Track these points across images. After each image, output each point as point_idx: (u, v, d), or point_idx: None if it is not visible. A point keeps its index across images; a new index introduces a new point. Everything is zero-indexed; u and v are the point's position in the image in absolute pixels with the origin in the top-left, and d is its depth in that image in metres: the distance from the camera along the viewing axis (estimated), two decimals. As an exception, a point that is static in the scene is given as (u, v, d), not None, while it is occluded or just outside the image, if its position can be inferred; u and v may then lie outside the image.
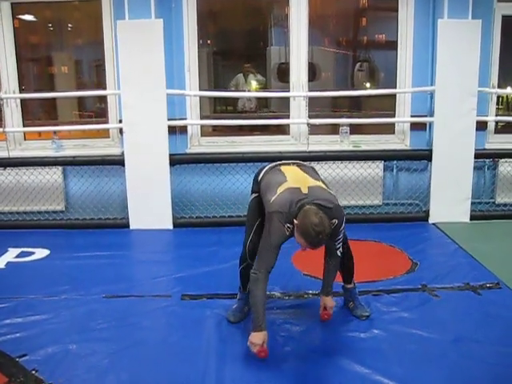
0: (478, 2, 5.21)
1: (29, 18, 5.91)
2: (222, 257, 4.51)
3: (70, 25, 6.20)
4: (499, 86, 5.73)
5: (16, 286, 3.97)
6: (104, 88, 5.57)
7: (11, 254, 4.68)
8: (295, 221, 2.78)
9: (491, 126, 5.79)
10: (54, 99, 6.16)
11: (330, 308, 3.24)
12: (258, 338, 2.84)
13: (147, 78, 5.08)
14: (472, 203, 5.54)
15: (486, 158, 5.70)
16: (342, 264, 3.32)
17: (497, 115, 5.85)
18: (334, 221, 2.88)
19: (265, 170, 3.29)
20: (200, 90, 5.65)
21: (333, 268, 3.21)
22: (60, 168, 5.52)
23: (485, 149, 5.69)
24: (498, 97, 5.94)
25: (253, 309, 2.94)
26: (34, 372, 2.79)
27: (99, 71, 5.77)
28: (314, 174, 3.23)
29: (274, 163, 3.32)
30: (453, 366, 2.85)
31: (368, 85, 6.62)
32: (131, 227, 5.39)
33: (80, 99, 6.42)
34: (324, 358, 2.93)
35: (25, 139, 5.74)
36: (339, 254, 3.13)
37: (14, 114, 5.59)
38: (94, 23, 5.53)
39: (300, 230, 2.75)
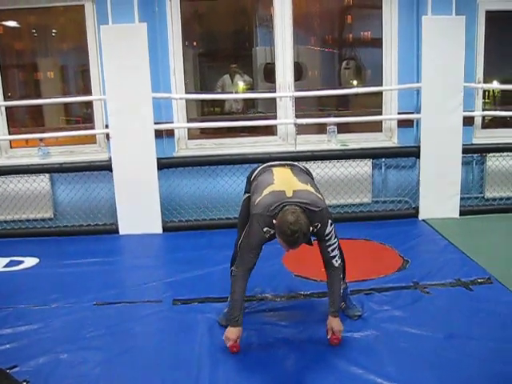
0: (462, -2, 5.23)
1: (12, 24, 5.86)
2: (212, 260, 4.49)
3: (54, 30, 6.15)
4: (485, 81, 5.74)
5: (5, 296, 3.93)
6: (90, 93, 5.54)
7: (0, 264, 4.64)
8: (274, 221, 2.80)
9: (478, 121, 5.81)
10: (40, 106, 6.12)
11: (337, 332, 3.05)
12: (233, 334, 2.97)
13: (132, 83, 5.05)
14: (461, 198, 5.56)
15: (473, 153, 5.71)
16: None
17: (484, 110, 5.87)
18: (316, 224, 2.88)
19: (258, 170, 3.30)
20: (187, 92, 5.63)
21: (333, 282, 3.07)
22: (47, 175, 5.47)
23: (472, 144, 5.70)
24: (485, 91, 5.96)
25: (231, 304, 3.05)
26: (25, 383, 2.75)
27: (85, 76, 5.72)
28: (305, 177, 3.21)
29: (268, 163, 3.33)
30: (446, 363, 2.84)
31: (355, 83, 6.62)
32: (120, 233, 5.35)
33: (67, 105, 6.36)
34: (317, 359, 2.92)
35: (11, 147, 5.70)
36: (336, 265, 3.04)
37: (-2, 122, 5.55)
38: (79, 28, 5.48)
39: (277, 229, 2.78)
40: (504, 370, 2.75)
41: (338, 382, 2.71)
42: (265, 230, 2.89)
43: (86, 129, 5.83)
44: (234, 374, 2.80)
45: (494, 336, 3.11)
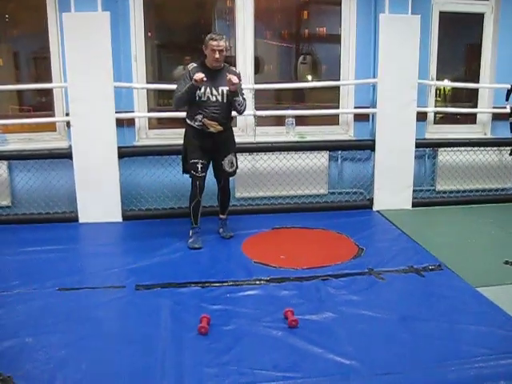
0: (418, -2, 5.44)
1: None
2: (173, 247, 4.56)
3: (7, 15, 6.02)
4: (437, 79, 5.98)
5: (-34, 283, 3.90)
6: (46, 81, 5.49)
7: (-43, 251, 4.59)
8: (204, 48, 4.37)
9: (431, 117, 6.07)
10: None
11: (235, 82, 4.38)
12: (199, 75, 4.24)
13: (94, 71, 5.04)
14: (414, 191, 5.78)
15: (426, 147, 5.94)
16: (221, 199, 4.82)
17: (435, 107, 6.11)
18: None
19: None
20: (147, 82, 5.65)
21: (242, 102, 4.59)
22: (5, 162, 5.41)
23: (425, 138, 5.93)
24: (436, 89, 6.19)
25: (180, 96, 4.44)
26: (-10, 366, 2.78)
27: (38, 63, 5.64)
28: None
29: None
30: (400, 342, 3.01)
31: (310, 77, 6.73)
32: (80, 221, 5.33)
33: (19, 93, 6.24)
34: (278, 341, 3.04)
35: (-33, 134, 5.61)
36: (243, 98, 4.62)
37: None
38: (34, 14, 5.40)
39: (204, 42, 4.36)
40: (455, 348, 2.93)
41: (299, 360, 2.82)
42: (189, 66, 4.43)
43: (42, 117, 5.77)
44: (200, 355, 2.88)
45: (444, 318, 3.30)
